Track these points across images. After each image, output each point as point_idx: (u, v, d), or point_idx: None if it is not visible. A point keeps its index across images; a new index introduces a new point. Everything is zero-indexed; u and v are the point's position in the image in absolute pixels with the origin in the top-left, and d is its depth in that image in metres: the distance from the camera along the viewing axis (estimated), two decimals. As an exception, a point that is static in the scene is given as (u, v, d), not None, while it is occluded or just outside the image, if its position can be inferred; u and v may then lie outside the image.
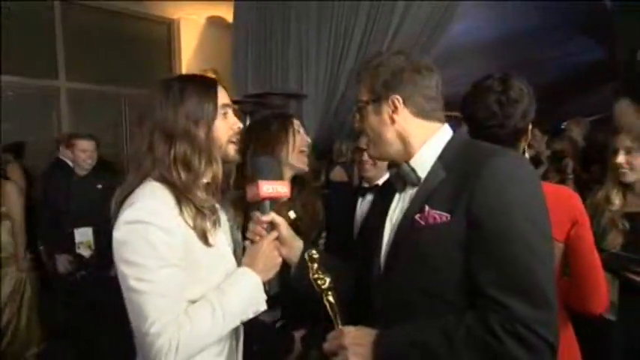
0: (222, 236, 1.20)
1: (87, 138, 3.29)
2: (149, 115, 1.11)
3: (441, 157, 1.04)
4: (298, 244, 1.22)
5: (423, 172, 1.05)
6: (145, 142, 1.10)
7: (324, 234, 1.80)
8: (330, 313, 1.10)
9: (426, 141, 1.07)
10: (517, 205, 0.91)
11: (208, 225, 1.11)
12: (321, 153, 3.88)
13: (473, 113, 1.34)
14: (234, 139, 1.19)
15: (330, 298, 1.12)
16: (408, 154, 1.08)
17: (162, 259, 1.01)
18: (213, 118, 1.14)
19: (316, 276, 1.15)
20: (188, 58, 5.72)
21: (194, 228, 1.08)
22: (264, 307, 1.15)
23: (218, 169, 1.14)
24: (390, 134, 1.08)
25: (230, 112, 1.19)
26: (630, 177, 1.81)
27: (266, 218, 1.18)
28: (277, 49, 4.43)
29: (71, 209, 3.20)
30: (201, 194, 1.11)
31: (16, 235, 3.12)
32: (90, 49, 4.97)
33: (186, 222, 1.07)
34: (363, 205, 2.00)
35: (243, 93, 4.30)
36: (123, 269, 1.02)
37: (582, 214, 1.37)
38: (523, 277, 0.88)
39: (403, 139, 1.08)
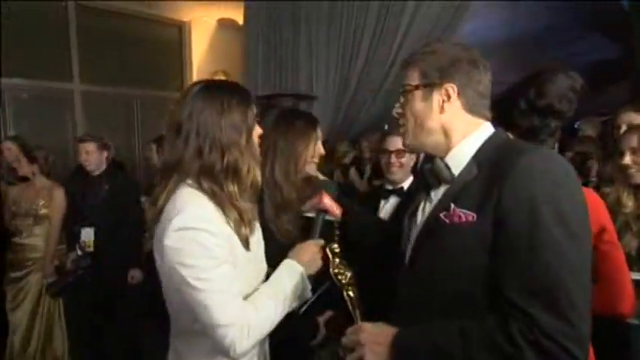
0: (256, 240, 1.25)
1: (85, 140, 3.26)
2: (193, 123, 1.12)
3: (476, 155, 0.99)
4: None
5: (457, 169, 1.00)
6: (191, 150, 1.12)
7: None
8: (350, 307, 1.11)
9: (466, 136, 1.02)
10: (547, 204, 0.84)
11: (248, 231, 1.17)
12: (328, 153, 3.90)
13: (537, 97, 1.28)
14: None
15: (350, 293, 1.13)
16: (446, 147, 1.03)
17: (215, 259, 1.07)
18: (254, 126, 1.19)
19: (337, 270, 1.17)
20: (199, 60, 5.75)
21: (237, 234, 1.14)
22: (309, 294, 1.25)
23: (258, 175, 1.20)
24: (433, 123, 1.02)
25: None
26: (639, 177, 1.73)
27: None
28: (287, 50, 4.46)
29: (84, 209, 3.25)
30: (244, 201, 1.17)
31: (50, 239, 3.12)
32: (102, 51, 5.02)
33: (229, 226, 1.12)
34: (387, 207, 1.99)
35: (254, 94, 4.31)
36: (181, 272, 1.05)
37: (609, 219, 1.36)
38: (549, 284, 0.82)
39: (445, 132, 1.02)
